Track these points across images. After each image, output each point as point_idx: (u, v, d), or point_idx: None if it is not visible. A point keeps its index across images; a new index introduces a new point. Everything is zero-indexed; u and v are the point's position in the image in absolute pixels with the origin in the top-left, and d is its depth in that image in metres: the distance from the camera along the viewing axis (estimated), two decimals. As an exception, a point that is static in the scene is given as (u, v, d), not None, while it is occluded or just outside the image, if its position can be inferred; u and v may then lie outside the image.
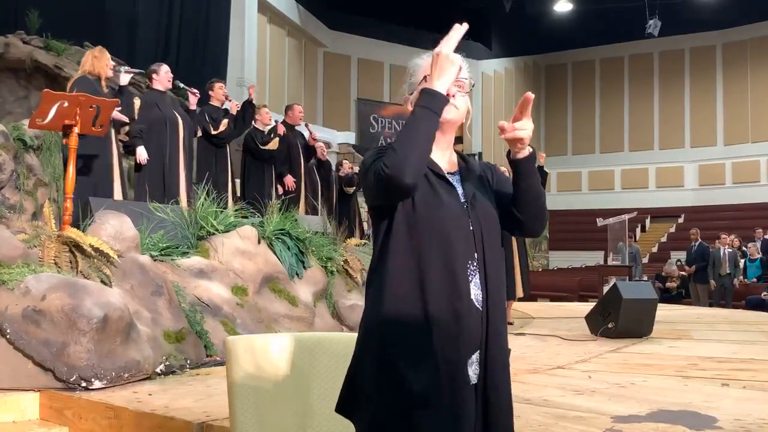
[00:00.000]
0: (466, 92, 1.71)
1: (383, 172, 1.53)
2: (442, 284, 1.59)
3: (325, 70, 21.10)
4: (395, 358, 1.58)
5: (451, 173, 1.73)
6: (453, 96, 1.65)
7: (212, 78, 8.17)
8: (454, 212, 1.63)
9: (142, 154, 6.16)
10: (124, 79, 6.04)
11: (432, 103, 1.56)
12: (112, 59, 5.93)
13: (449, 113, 1.66)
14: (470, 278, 1.62)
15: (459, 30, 1.59)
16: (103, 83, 5.74)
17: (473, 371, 1.61)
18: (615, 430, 2.95)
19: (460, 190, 1.69)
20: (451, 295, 1.59)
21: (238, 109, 7.45)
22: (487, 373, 1.61)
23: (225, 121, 7.20)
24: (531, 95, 1.59)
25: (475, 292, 1.62)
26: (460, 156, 1.79)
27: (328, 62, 21.14)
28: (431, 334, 1.57)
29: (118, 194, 5.80)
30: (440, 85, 1.56)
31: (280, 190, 7.93)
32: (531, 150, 1.67)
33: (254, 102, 7.64)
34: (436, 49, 1.58)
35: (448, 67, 1.57)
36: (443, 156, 1.73)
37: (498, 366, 1.63)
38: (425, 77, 1.68)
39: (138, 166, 6.26)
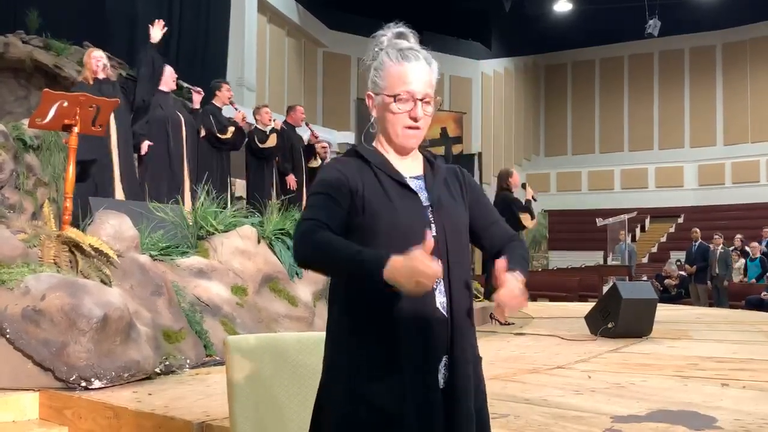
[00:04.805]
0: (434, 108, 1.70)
1: (295, 247, 1.58)
2: (406, 295, 1.54)
3: (324, 70, 21.05)
4: (363, 373, 1.56)
5: (415, 177, 1.70)
6: (420, 119, 1.67)
7: (212, 77, 8.22)
8: (413, 220, 1.61)
9: (144, 147, 6.23)
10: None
11: (371, 269, 1.45)
12: (109, 56, 5.97)
13: (417, 134, 1.69)
14: (435, 286, 1.57)
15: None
16: (90, 81, 5.77)
17: (441, 376, 1.60)
18: (614, 430, 2.95)
19: (423, 195, 1.66)
20: (416, 305, 1.55)
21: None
22: (452, 377, 1.60)
23: (232, 129, 7.25)
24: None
25: (440, 299, 1.61)
26: (427, 159, 1.76)
27: (328, 62, 21.09)
28: (398, 347, 1.55)
29: (119, 194, 5.81)
30: (387, 275, 1.42)
31: (291, 184, 8.10)
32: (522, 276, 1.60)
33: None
34: (421, 279, 1.41)
35: (409, 283, 1.42)
36: (406, 161, 1.71)
37: (462, 370, 1.61)
38: (395, 97, 1.69)
39: (141, 160, 6.31)
